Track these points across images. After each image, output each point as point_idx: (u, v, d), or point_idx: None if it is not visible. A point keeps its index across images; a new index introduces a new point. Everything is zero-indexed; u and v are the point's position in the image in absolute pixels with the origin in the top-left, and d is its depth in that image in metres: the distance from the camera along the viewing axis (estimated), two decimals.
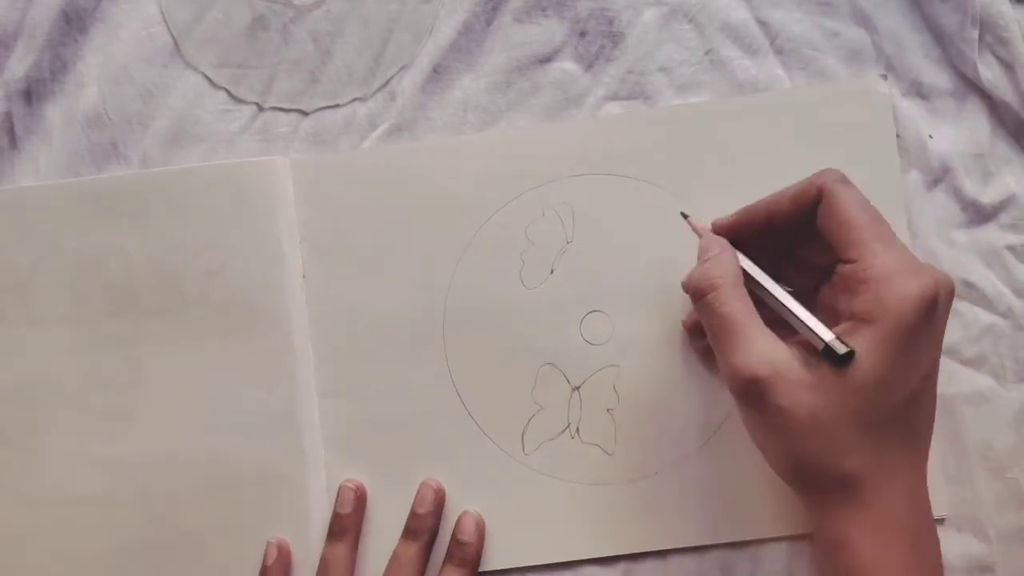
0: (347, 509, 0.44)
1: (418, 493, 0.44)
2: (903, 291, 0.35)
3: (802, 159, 0.45)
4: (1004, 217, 0.46)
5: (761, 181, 0.45)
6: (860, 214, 0.37)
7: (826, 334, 0.35)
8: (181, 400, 0.46)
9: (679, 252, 0.45)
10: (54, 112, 0.48)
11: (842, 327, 0.36)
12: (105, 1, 0.48)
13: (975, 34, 0.45)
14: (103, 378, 0.46)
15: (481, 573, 0.44)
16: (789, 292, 0.38)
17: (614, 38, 0.47)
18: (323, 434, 0.45)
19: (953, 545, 0.44)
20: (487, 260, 0.46)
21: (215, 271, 0.46)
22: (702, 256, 0.39)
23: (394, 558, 0.44)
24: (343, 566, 0.44)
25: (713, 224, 0.41)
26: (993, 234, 0.46)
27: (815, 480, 0.36)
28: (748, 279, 0.39)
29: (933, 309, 0.35)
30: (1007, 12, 0.45)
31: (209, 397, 0.45)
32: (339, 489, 0.45)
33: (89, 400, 0.46)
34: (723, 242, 0.40)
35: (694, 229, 0.42)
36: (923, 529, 0.36)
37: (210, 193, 0.46)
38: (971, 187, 0.46)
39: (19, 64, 0.47)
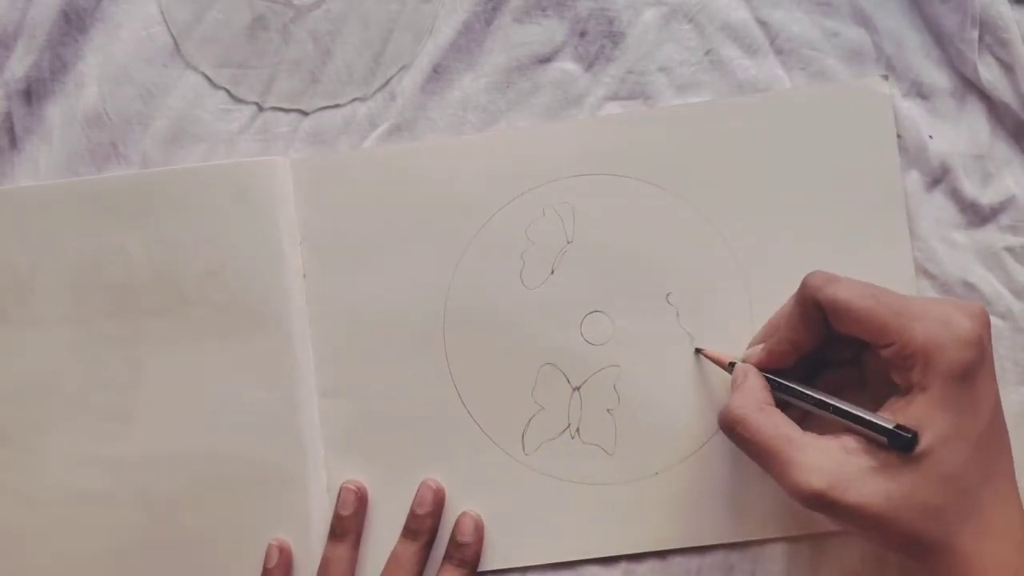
0: (348, 510, 0.44)
1: (418, 493, 0.45)
2: (947, 349, 0.35)
3: (802, 159, 0.45)
4: (1004, 218, 0.46)
5: (761, 181, 0.45)
6: (869, 304, 0.37)
7: (886, 424, 0.35)
8: (181, 400, 0.46)
9: (679, 252, 0.45)
10: (54, 112, 0.48)
11: (902, 401, 0.36)
12: (105, 1, 0.48)
13: (975, 35, 0.45)
14: (103, 378, 0.46)
15: (481, 573, 0.45)
16: (829, 395, 0.38)
17: (614, 38, 0.47)
18: (323, 434, 0.45)
19: None
20: (487, 260, 0.46)
21: (215, 271, 0.46)
22: (733, 387, 0.41)
23: (393, 557, 0.44)
24: (344, 566, 0.44)
25: (745, 357, 0.42)
26: (992, 235, 0.46)
27: (916, 548, 0.36)
28: (789, 395, 0.39)
29: (982, 350, 0.36)
30: (1007, 13, 0.45)
31: (209, 397, 0.46)
32: (340, 490, 0.45)
33: (89, 400, 0.46)
34: (747, 368, 0.41)
35: (712, 360, 0.44)
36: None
37: (210, 193, 0.46)
38: (970, 188, 0.46)
39: (19, 64, 0.47)
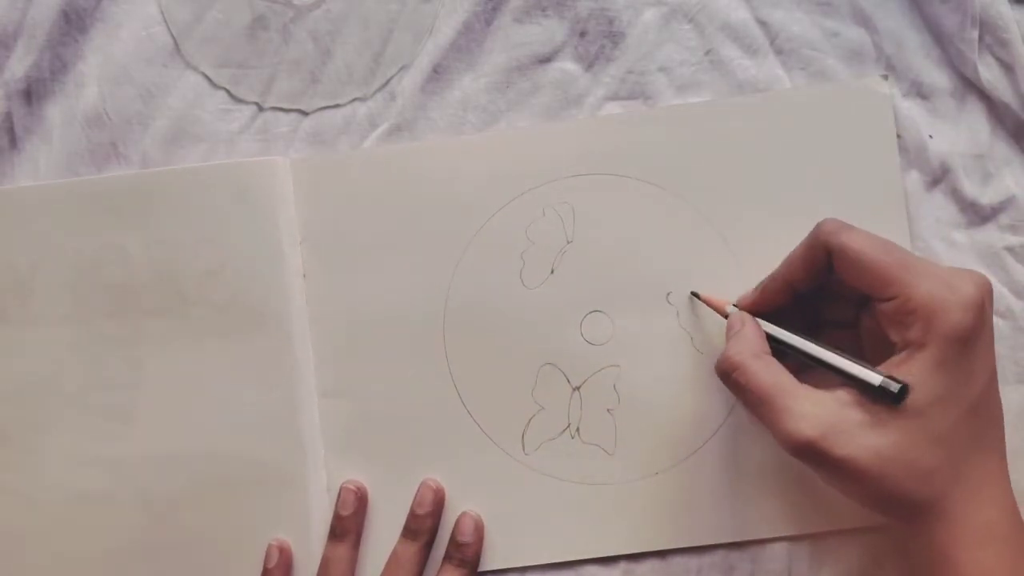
0: (348, 510, 0.44)
1: (418, 493, 0.45)
2: (949, 310, 0.35)
3: (802, 159, 0.45)
4: (1003, 218, 0.46)
5: (761, 180, 0.45)
6: (878, 255, 0.37)
7: (874, 378, 0.35)
8: (181, 400, 0.46)
9: (679, 252, 0.45)
10: (54, 112, 0.48)
11: (898, 359, 0.36)
12: (105, 1, 0.48)
13: (975, 35, 0.45)
14: (103, 378, 0.46)
15: (481, 573, 0.44)
16: (824, 346, 0.38)
17: (614, 38, 0.47)
18: (323, 434, 0.45)
19: None
20: (487, 260, 0.46)
21: (215, 271, 0.46)
22: (727, 335, 0.41)
23: (393, 557, 0.44)
24: (344, 566, 0.44)
25: (738, 302, 0.42)
26: (992, 235, 0.46)
27: (902, 508, 0.36)
28: (783, 343, 0.40)
29: (983, 315, 0.36)
30: (1007, 13, 0.45)
31: (209, 397, 0.46)
32: (340, 490, 0.45)
33: (89, 400, 0.46)
34: (744, 316, 0.41)
35: (708, 303, 0.44)
36: (1017, 532, 0.36)
37: (210, 193, 0.46)
38: (970, 188, 0.46)
39: (19, 64, 0.47)
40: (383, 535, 0.45)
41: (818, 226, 0.39)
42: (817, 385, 0.37)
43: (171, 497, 0.45)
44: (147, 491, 0.45)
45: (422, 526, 0.44)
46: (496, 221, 0.46)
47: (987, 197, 0.46)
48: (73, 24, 0.48)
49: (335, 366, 0.46)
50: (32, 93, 0.47)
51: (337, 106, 0.48)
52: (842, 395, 0.36)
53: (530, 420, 0.45)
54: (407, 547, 0.44)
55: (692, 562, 0.44)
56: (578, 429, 0.45)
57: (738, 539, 0.44)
